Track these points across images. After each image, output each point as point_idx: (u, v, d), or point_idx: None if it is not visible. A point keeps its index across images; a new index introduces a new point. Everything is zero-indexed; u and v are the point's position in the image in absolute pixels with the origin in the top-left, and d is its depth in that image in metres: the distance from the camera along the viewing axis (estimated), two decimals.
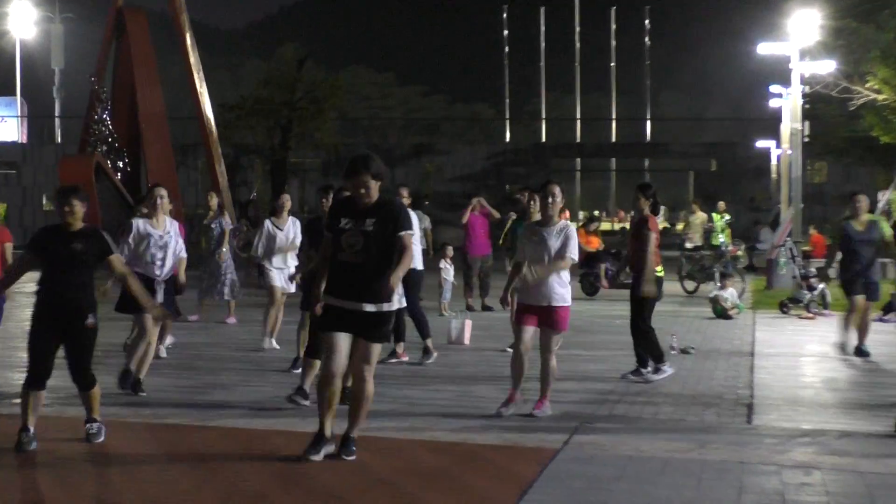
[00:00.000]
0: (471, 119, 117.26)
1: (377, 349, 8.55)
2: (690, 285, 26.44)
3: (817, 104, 44.69)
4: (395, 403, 10.85)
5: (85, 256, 8.96)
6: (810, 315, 20.94)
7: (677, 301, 24.11)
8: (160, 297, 11.64)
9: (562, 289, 10.41)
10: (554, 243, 10.44)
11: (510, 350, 15.56)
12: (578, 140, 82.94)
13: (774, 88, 48.37)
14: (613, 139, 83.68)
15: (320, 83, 62.09)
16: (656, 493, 7.62)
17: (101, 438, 9.15)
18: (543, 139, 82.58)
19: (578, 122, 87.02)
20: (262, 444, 9.10)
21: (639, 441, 9.25)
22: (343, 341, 8.40)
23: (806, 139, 46.46)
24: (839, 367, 14.31)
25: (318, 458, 8.41)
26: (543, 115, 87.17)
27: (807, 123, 44.57)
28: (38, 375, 8.98)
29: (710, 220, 30.48)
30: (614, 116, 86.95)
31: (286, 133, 60.63)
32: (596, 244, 25.79)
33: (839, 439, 9.50)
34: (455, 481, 7.95)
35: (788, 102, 36.91)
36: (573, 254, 10.45)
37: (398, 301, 8.59)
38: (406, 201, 14.50)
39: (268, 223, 15.43)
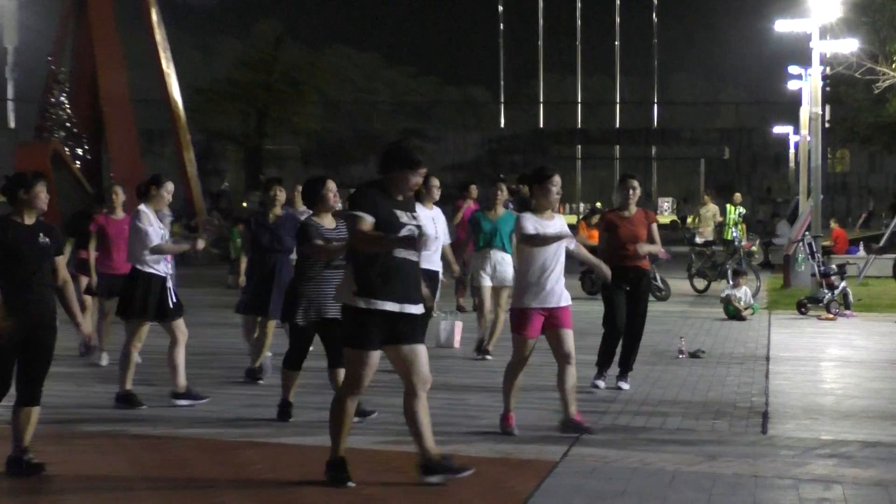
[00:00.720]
0: (463, 103, 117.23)
1: None
2: (701, 284, 26.48)
3: (840, 87, 44.75)
4: (380, 412, 10.87)
5: (52, 253, 8.65)
6: (831, 316, 20.99)
7: (687, 301, 24.14)
8: (173, 296, 11.67)
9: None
10: (569, 240, 10.31)
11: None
12: (580, 126, 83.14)
13: (793, 69, 48.41)
14: (618, 125, 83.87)
15: (300, 64, 62.17)
16: None
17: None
18: (542, 125, 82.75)
19: (580, 107, 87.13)
20: (234, 457, 9.12)
21: (644, 453, 9.29)
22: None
23: (827, 125, 46.58)
24: (862, 372, 14.36)
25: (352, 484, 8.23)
26: (542, 99, 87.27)
27: (828, 108, 44.69)
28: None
29: (723, 212, 30.50)
30: (618, 100, 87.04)
31: (262, 118, 60.66)
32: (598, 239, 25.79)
33: (862, 451, 9.54)
34: (446, 497, 7.97)
35: (808, 85, 36.96)
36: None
37: None
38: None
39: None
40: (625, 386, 12.65)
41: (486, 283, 15.43)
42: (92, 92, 45.69)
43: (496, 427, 10.13)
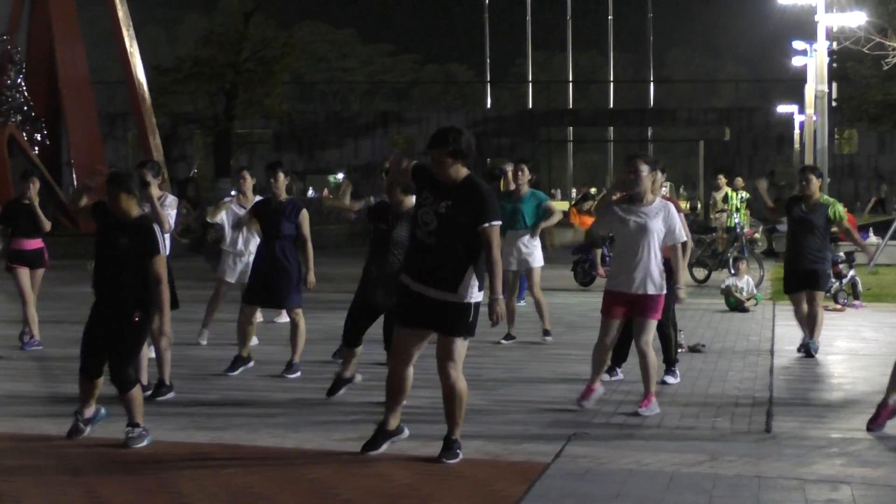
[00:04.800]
0: (446, 82, 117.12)
1: None
2: (701, 273, 26.48)
3: (847, 63, 44.90)
4: (357, 412, 10.86)
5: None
6: (839, 306, 20.99)
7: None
8: None
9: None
10: (657, 225, 11.07)
11: (504, 342, 15.70)
12: (571, 106, 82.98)
13: (797, 45, 48.49)
14: (611, 105, 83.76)
15: (270, 41, 61.90)
16: None
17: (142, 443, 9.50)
18: (530, 105, 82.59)
19: (571, 86, 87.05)
20: (206, 460, 9.10)
21: (641, 453, 9.30)
22: None
23: (834, 103, 46.67)
24: (872, 365, 14.38)
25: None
26: (530, 78, 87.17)
27: (834, 85, 44.76)
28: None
29: (725, 198, 30.54)
30: (612, 79, 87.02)
31: (231, 100, 60.44)
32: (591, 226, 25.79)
33: (871, 449, 9.57)
34: (427, 502, 7.98)
35: (813, 61, 37.00)
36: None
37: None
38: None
39: None
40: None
41: (512, 268, 16.03)
42: (50, 73, 45.55)
43: (485, 428, 10.14)
